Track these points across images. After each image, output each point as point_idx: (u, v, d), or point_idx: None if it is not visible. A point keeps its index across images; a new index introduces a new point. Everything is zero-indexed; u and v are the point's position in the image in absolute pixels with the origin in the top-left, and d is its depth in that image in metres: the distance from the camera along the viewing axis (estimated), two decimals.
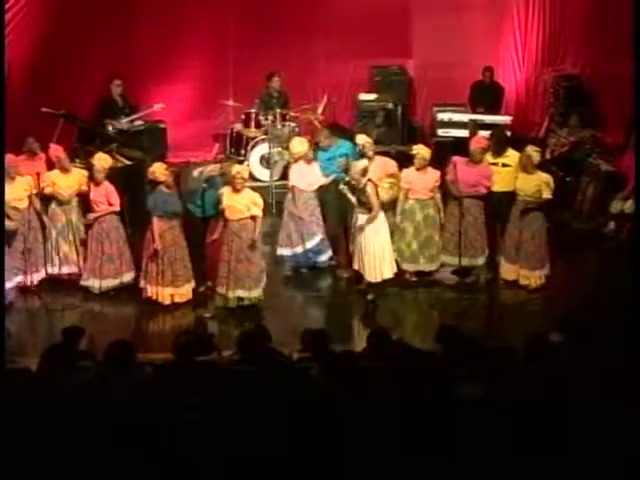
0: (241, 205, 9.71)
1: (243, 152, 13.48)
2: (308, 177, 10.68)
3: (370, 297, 10.11)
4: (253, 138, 13.44)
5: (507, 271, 10.41)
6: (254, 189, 10.23)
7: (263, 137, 13.32)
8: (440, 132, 13.80)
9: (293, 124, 13.41)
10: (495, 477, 5.63)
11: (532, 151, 10.24)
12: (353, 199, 9.95)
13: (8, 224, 9.95)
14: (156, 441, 5.55)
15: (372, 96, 14.30)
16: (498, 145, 10.66)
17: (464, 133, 13.39)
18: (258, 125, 13.52)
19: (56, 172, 10.45)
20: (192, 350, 6.80)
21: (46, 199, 10.48)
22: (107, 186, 10.27)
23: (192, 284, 10.08)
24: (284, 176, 12.49)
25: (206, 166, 11.06)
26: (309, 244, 10.65)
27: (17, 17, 12.84)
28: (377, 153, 10.68)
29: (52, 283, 10.42)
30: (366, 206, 9.80)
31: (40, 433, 5.70)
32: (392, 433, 5.67)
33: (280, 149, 12.98)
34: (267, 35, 14.15)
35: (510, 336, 9.14)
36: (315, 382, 6.40)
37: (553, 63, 14.81)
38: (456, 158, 10.38)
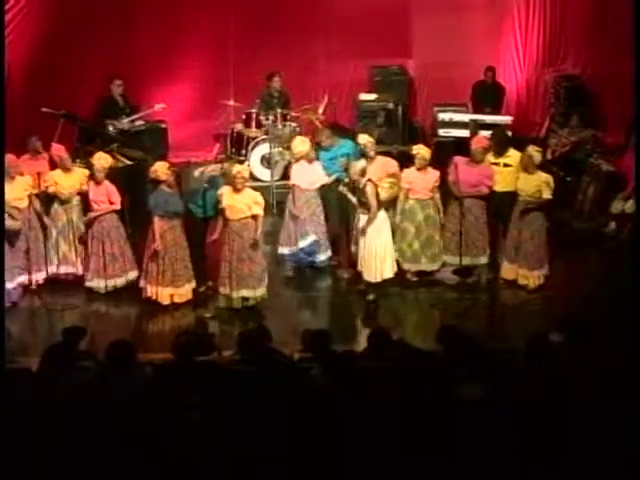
0: (242, 205, 9.70)
1: (244, 152, 13.47)
2: (309, 176, 10.68)
3: (371, 297, 10.11)
4: (254, 138, 13.44)
5: (507, 271, 10.42)
6: (255, 189, 10.22)
7: (264, 137, 13.32)
8: (441, 132, 13.80)
9: (294, 124, 13.41)
10: (496, 477, 5.62)
11: (533, 151, 10.24)
12: (353, 199, 9.97)
13: (11, 223, 9.96)
14: (156, 441, 5.55)
15: (372, 96, 14.30)
16: (499, 145, 10.67)
17: (465, 133, 13.39)
18: (259, 125, 13.52)
19: (58, 171, 10.46)
20: (192, 350, 6.79)
21: (48, 198, 10.49)
22: (108, 185, 10.27)
23: (192, 284, 10.09)
24: (285, 176, 12.51)
25: (207, 166, 11.08)
26: (301, 243, 10.65)
27: (17, 17, 12.85)
28: (378, 153, 10.68)
29: (53, 283, 10.41)
30: (366, 206, 9.80)
31: (40, 433, 5.70)
32: (393, 433, 5.67)
33: (281, 149, 12.98)
34: (267, 35, 14.15)
35: (511, 336, 9.15)
36: (316, 382, 6.39)
37: (554, 63, 14.81)
38: (457, 158, 10.38)
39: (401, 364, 6.43)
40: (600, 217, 11.72)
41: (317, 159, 10.81)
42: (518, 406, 5.93)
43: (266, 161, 13.20)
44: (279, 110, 13.32)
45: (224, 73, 14.42)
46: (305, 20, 14.39)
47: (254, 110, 13.57)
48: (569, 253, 11.15)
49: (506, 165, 10.50)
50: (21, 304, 10.14)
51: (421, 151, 10.31)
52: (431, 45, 14.57)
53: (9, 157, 9.96)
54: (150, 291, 10.00)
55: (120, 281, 10.33)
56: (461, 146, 11.90)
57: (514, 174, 10.32)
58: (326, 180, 10.73)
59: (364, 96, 14.31)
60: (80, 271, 10.46)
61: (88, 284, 10.31)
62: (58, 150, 10.54)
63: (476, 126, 13.42)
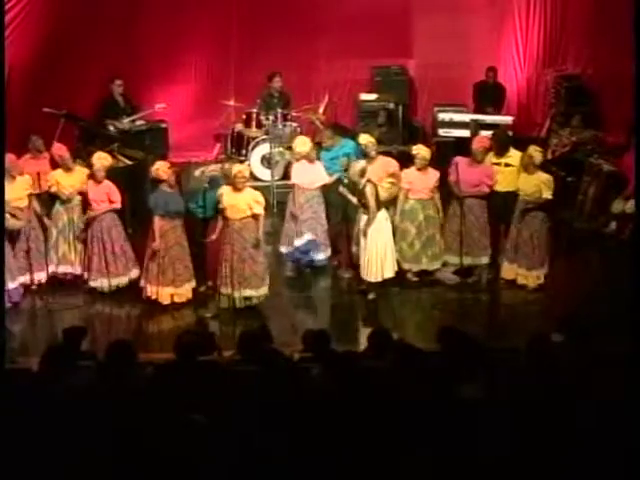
0: (243, 204, 9.70)
1: (244, 152, 13.48)
2: (310, 175, 10.68)
3: (371, 297, 10.12)
4: (254, 138, 13.44)
5: (506, 270, 10.43)
6: (255, 189, 10.22)
7: (264, 137, 13.33)
8: (441, 132, 13.80)
9: (294, 124, 13.42)
10: (496, 477, 5.62)
11: (534, 151, 10.24)
12: (354, 200, 9.98)
13: (15, 223, 9.98)
14: (157, 441, 5.55)
15: (373, 96, 14.30)
16: (500, 145, 10.67)
17: (465, 133, 13.40)
18: (259, 125, 13.53)
19: (59, 171, 10.48)
20: (194, 350, 6.79)
21: (50, 198, 10.49)
22: (108, 184, 10.28)
23: (192, 283, 10.09)
24: (285, 176, 12.53)
25: (207, 166, 11.11)
26: (297, 242, 10.66)
27: (19, 17, 12.84)
28: (379, 153, 10.68)
29: (53, 283, 10.41)
30: (366, 207, 9.82)
31: (40, 433, 5.70)
32: (393, 433, 5.67)
33: (281, 149, 12.98)
34: (268, 35, 14.16)
35: (511, 336, 9.14)
36: (316, 382, 6.40)
37: (554, 63, 14.81)
38: (458, 158, 10.38)
39: (401, 364, 6.43)
40: (601, 217, 11.72)
41: (318, 159, 10.82)
42: (518, 406, 5.92)
43: (266, 161, 13.21)
44: (279, 110, 13.33)
45: (224, 73, 14.44)
46: (306, 20, 14.40)
47: (254, 110, 13.58)
48: (570, 253, 11.15)
49: (507, 165, 10.50)
50: (22, 304, 10.14)
51: (421, 151, 10.31)
52: (432, 45, 14.58)
53: (9, 157, 9.96)
54: (150, 291, 10.00)
55: (123, 280, 10.35)
56: (461, 146, 11.92)
57: (515, 174, 10.32)
58: (327, 180, 10.73)
59: (365, 96, 14.32)
60: (79, 271, 10.46)
61: (92, 284, 10.32)
62: (59, 149, 10.56)
63: (477, 126, 13.43)
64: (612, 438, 5.62)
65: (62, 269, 10.46)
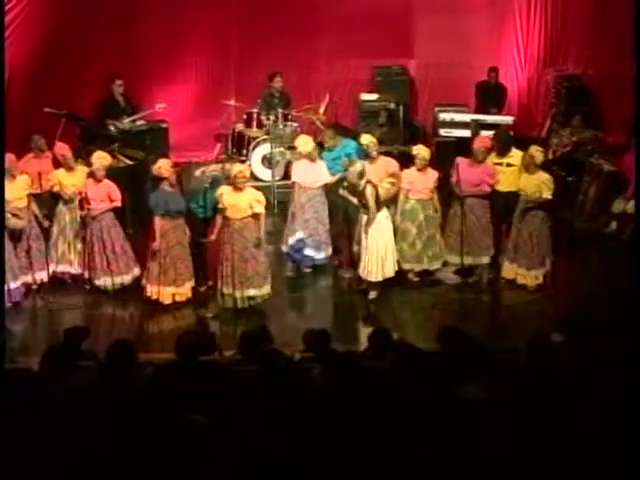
0: (244, 204, 9.70)
1: (245, 152, 13.49)
2: (312, 174, 10.67)
3: (372, 297, 10.13)
4: (255, 138, 13.45)
5: (507, 270, 10.43)
6: (256, 189, 10.22)
7: (265, 137, 13.34)
8: (442, 132, 13.80)
9: (295, 124, 13.42)
10: (497, 477, 5.63)
11: (535, 151, 10.24)
12: (354, 201, 9.99)
13: (17, 222, 9.99)
14: (157, 441, 5.55)
15: (374, 96, 14.31)
16: (502, 146, 10.68)
17: (466, 133, 13.41)
18: (260, 125, 13.53)
19: (61, 171, 10.50)
20: (194, 350, 6.80)
21: (52, 198, 10.49)
22: (108, 183, 10.29)
23: (192, 282, 10.09)
24: (286, 176, 12.54)
25: (208, 166, 11.10)
26: (290, 240, 10.68)
27: (19, 17, 12.83)
28: (379, 153, 10.68)
29: (54, 283, 10.42)
30: (366, 208, 9.84)
31: (41, 433, 5.70)
32: (393, 433, 5.67)
33: (282, 149, 12.99)
34: (269, 35, 14.17)
35: (512, 336, 9.15)
36: (317, 382, 6.40)
37: (555, 63, 14.81)
38: (459, 159, 10.39)
39: (402, 364, 6.43)
40: (601, 217, 11.71)
41: (321, 159, 10.82)
42: (519, 406, 5.93)
43: (267, 161, 13.22)
44: (280, 110, 13.33)
45: (225, 73, 14.45)
46: (306, 20, 14.41)
47: (255, 110, 13.58)
48: (570, 253, 11.14)
49: (509, 165, 10.51)
50: (23, 303, 10.14)
51: (421, 152, 10.32)
52: (432, 45, 14.60)
53: (9, 157, 9.96)
54: (151, 290, 10.00)
55: (127, 278, 10.37)
56: (462, 146, 11.93)
57: (517, 174, 10.33)
58: (329, 180, 10.72)
59: (365, 96, 14.32)
60: (78, 270, 10.46)
61: (96, 283, 10.32)
62: (62, 149, 10.57)
63: (477, 126, 13.44)
64: (612, 438, 5.62)
65: (61, 268, 10.46)
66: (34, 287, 10.32)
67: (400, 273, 10.30)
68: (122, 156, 12.12)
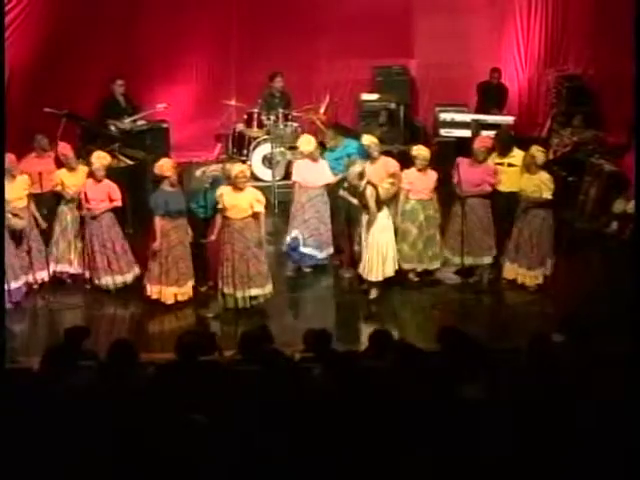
0: (245, 203, 9.69)
1: (245, 152, 13.48)
2: (313, 173, 10.67)
3: (372, 297, 10.13)
4: (255, 138, 13.45)
5: (508, 270, 10.43)
6: (257, 189, 10.22)
7: (265, 137, 13.33)
8: (442, 132, 13.81)
9: (295, 124, 13.41)
10: (497, 477, 5.63)
11: (536, 151, 10.24)
12: (354, 201, 10.00)
13: (17, 222, 10.00)
14: (157, 441, 5.55)
15: (374, 96, 14.31)
16: (503, 146, 10.68)
17: (466, 133, 13.41)
18: (260, 125, 13.53)
19: (63, 170, 10.49)
20: (194, 350, 6.80)
21: (55, 197, 10.49)
22: (108, 183, 10.29)
23: (192, 281, 10.09)
24: (286, 176, 12.55)
25: (208, 166, 11.08)
26: (287, 239, 10.70)
27: (20, 17, 12.84)
28: (380, 153, 10.68)
29: (55, 282, 10.43)
30: (366, 208, 9.85)
31: (41, 433, 5.70)
32: (393, 433, 5.67)
33: (282, 149, 12.99)
34: (269, 35, 14.16)
35: (513, 336, 9.15)
36: (317, 382, 6.40)
37: (555, 63, 14.81)
38: (460, 159, 10.39)
39: (402, 364, 6.43)
40: (602, 217, 11.71)
41: (323, 158, 10.83)
42: (519, 406, 5.93)
43: (268, 161, 13.22)
44: (281, 110, 13.33)
45: (226, 73, 14.45)
46: (307, 20, 14.40)
47: (256, 110, 13.57)
48: (571, 253, 11.13)
49: (510, 165, 10.50)
50: (24, 303, 10.14)
51: (422, 152, 10.32)
52: (433, 45, 14.59)
53: (9, 157, 9.96)
54: (152, 290, 10.00)
55: (129, 277, 10.38)
56: (463, 146, 11.92)
57: (519, 174, 10.32)
58: (331, 179, 10.72)
59: (366, 96, 14.32)
60: (77, 270, 10.46)
61: (99, 282, 10.31)
62: (64, 148, 10.58)
63: (478, 126, 13.44)
64: (612, 438, 5.63)
65: (60, 268, 10.47)
66: (35, 287, 10.32)
67: (400, 273, 10.30)
68: (123, 156, 12.13)
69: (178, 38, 14.14)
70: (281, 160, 13.01)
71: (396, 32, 14.58)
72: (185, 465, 5.47)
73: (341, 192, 10.26)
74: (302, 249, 10.66)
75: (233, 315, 9.74)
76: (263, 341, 7.19)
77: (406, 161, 10.71)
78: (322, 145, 11.29)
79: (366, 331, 8.60)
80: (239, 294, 9.75)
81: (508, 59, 14.95)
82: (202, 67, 14.70)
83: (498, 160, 10.56)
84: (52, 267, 10.36)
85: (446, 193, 10.58)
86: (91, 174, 10.29)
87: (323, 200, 10.74)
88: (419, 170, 10.29)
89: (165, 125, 13.60)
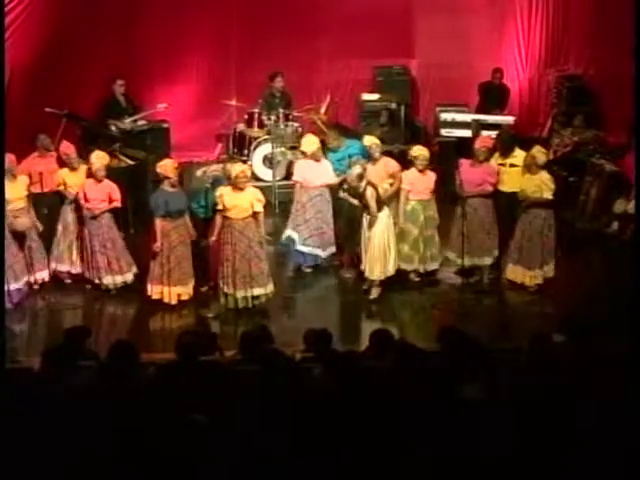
0: (246, 203, 9.69)
1: (246, 152, 13.48)
2: (315, 173, 10.68)
3: (373, 297, 10.14)
4: (256, 138, 13.45)
5: (510, 271, 10.42)
6: (257, 189, 10.22)
7: (266, 137, 13.33)
8: (443, 132, 13.80)
9: (296, 124, 13.41)
10: (497, 477, 5.63)
11: (538, 152, 10.23)
12: (355, 202, 10.01)
13: (23, 223, 10.01)
14: (157, 441, 5.55)
15: (375, 96, 14.31)
16: (505, 146, 10.68)
17: (467, 133, 13.41)
18: (261, 125, 13.53)
19: (66, 170, 10.49)
20: (195, 350, 6.80)
21: (58, 197, 10.49)
22: (108, 183, 10.28)
23: (193, 280, 10.09)
24: (287, 176, 12.55)
25: (209, 166, 11.09)
26: (282, 238, 10.73)
27: (20, 18, 12.83)
28: (381, 153, 10.68)
29: (56, 282, 10.44)
30: (367, 209, 9.86)
31: (41, 433, 5.70)
32: (393, 433, 5.67)
33: (283, 149, 12.99)
34: (270, 35, 14.16)
35: (513, 336, 9.15)
36: (317, 382, 6.40)
37: (556, 63, 14.80)
38: (462, 160, 10.40)
39: (403, 364, 6.43)
40: (602, 217, 11.71)
41: (325, 159, 10.83)
42: (519, 406, 5.93)
43: (268, 161, 13.22)
44: (281, 110, 13.33)
45: (226, 73, 14.45)
46: (307, 20, 14.40)
47: (256, 110, 13.57)
48: (571, 253, 11.14)
49: (512, 165, 10.50)
50: (24, 303, 10.14)
51: (423, 152, 10.32)
52: (434, 45, 14.60)
53: (9, 157, 9.96)
54: (153, 291, 9.99)
55: (129, 277, 10.39)
56: (463, 146, 11.92)
57: (521, 174, 10.32)
58: (334, 180, 10.71)
59: (367, 96, 14.33)
60: (76, 269, 10.46)
61: (100, 282, 10.31)
62: (67, 148, 10.57)
63: (478, 126, 13.44)
64: (612, 438, 5.63)
65: (61, 267, 10.47)
66: (35, 287, 10.32)
67: (401, 273, 10.30)
68: (123, 156, 12.13)
69: (178, 38, 14.14)
70: (282, 160, 13.01)
71: (397, 32, 14.59)
72: (185, 465, 5.47)
73: (341, 193, 10.28)
74: (299, 248, 10.67)
75: (233, 315, 9.75)
76: (263, 341, 7.19)
77: (406, 161, 10.71)
78: (322, 145, 11.29)
79: (366, 331, 8.60)
80: (239, 294, 9.75)
81: (509, 59, 14.95)
82: (202, 67, 14.70)
83: (500, 161, 10.57)
84: (53, 267, 10.38)
85: (448, 193, 10.58)
86: (91, 174, 10.27)
87: (325, 200, 10.75)
88: (419, 171, 10.29)
89: (166, 125, 13.61)
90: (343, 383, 6.14)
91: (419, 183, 10.30)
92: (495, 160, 10.56)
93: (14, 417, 5.76)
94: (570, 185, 12.09)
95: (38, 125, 11.59)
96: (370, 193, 9.79)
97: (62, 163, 10.64)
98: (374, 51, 14.49)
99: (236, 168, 9.80)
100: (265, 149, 13.29)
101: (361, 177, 9.82)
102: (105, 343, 7.46)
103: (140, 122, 13.19)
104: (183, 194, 10.08)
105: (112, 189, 10.27)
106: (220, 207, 9.63)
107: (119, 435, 5.68)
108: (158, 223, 9.81)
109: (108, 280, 10.30)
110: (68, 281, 10.56)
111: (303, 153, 10.90)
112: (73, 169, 10.46)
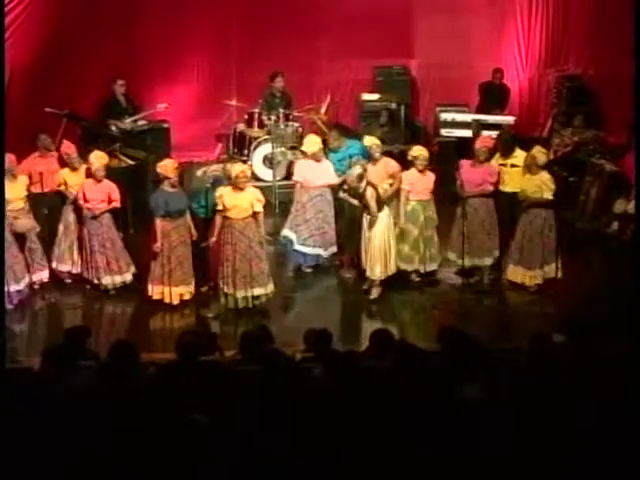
0: (246, 203, 9.69)
1: (246, 152, 13.48)
2: (316, 173, 10.68)
3: (373, 297, 10.14)
4: (256, 138, 13.45)
5: (511, 272, 10.42)
6: (257, 189, 10.22)
7: (266, 137, 13.33)
8: (443, 132, 13.80)
9: (296, 124, 13.41)
10: (497, 477, 5.63)
11: (538, 152, 10.24)
12: (355, 202, 10.02)
13: (25, 223, 10.01)
14: (157, 441, 5.55)
15: (375, 96, 14.32)
16: (505, 147, 10.69)
17: (467, 133, 13.41)
18: (261, 125, 13.53)
19: (66, 170, 10.49)
20: (195, 350, 6.80)
21: (59, 197, 10.49)
22: (108, 183, 10.28)
23: (194, 279, 10.09)
24: (287, 176, 12.55)
25: (209, 166, 11.09)
26: (280, 238, 10.74)
27: (21, 17, 12.84)
28: (381, 154, 10.68)
29: (56, 282, 10.44)
30: (367, 209, 9.87)
31: (41, 433, 5.70)
32: (393, 433, 5.67)
33: (283, 149, 12.99)
34: (270, 35, 14.16)
35: (513, 336, 9.15)
36: (317, 382, 6.40)
37: (556, 63, 14.80)
38: (463, 161, 10.40)
39: (402, 364, 6.43)
40: (603, 217, 11.71)
41: (327, 159, 10.83)
42: (519, 406, 5.93)
43: (268, 161, 13.22)
44: (281, 110, 13.33)
45: (226, 73, 14.45)
46: (307, 20, 14.41)
47: (256, 110, 13.57)
48: (571, 253, 11.12)
49: (513, 166, 10.51)
50: (24, 303, 10.14)
51: (423, 152, 10.33)
52: (433, 45, 14.60)
53: (9, 157, 9.96)
54: (154, 291, 9.99)
55: (128, 277, 10.38)
56: (463, 146, 11.92)
57: (522, 175, 10.32)
58: (335, 180, 10.70)
59: (367, 96, 14.33)
60: (77, 269, 10.46)
61: (99, 282, 10.30)
62: (68, 148, 10.58)
63: (478, 126, 13.44)
64: (612, 438, 5.63)
65: (62, 267, 10.47)
66: (35, 287, 10.32)
67: (402, 274, 10.30)
68: (123, 156, 12.13)
69: (178, 38, 14.15)
70: (282, 160, 13.01)
71: (396, 32, 14.59)
72: (185, 465, 5.47)
73: (341, 194, 10.28)
74: (297, 248, 10.68)
75: (233, 315, 9.75)
76: (263, 341, 7.19)
77: (407, 162, 10.70)
78: (324, 145, 11.29)
79: (367, 331, 8.60)
80: (239, 294, 9.76)
81: (509, 59, 14.95)
82: (203, 67, 14.71)
83: (501, 161, 10.57)
84: (54, 266, 10.38)
85: (447, 194, 10.58)
86: (90, 174, 10.27)
87: (326, 200, 10.75)
88: (419, 171, 10.29)
89: (166, 125, 13.61)
90: (343, 383, 6.13)
91: (419, 183, 10.30)
92: (496, 160, 10.57)
93: (14, 417, 5.76)
94: (570, 185, 12.09)
95: (38, 125, 11.59)
96: (370, 193, 9.81)
97: (63, 163, 10.64)
98: (374, 51, 14.50)
99: (236, 168, 9.80)
100: (265, 149, 13.29)
101: (361, 177, 9.82)
102: (105, 343, 7.46)
103: (140, 122, 13.19)
104: (183, 194, 10.08)
105: (111, 189, 10.27)
106: (220, 207, 9.63)
107: (119, 435, 5.68)
108: (158, 223, 9.81)
109: (107, 280, 10.30)
110: (68, 281, 10.56)
111: (303, 153, 10.91)
112: (74, 169, 10.46)
